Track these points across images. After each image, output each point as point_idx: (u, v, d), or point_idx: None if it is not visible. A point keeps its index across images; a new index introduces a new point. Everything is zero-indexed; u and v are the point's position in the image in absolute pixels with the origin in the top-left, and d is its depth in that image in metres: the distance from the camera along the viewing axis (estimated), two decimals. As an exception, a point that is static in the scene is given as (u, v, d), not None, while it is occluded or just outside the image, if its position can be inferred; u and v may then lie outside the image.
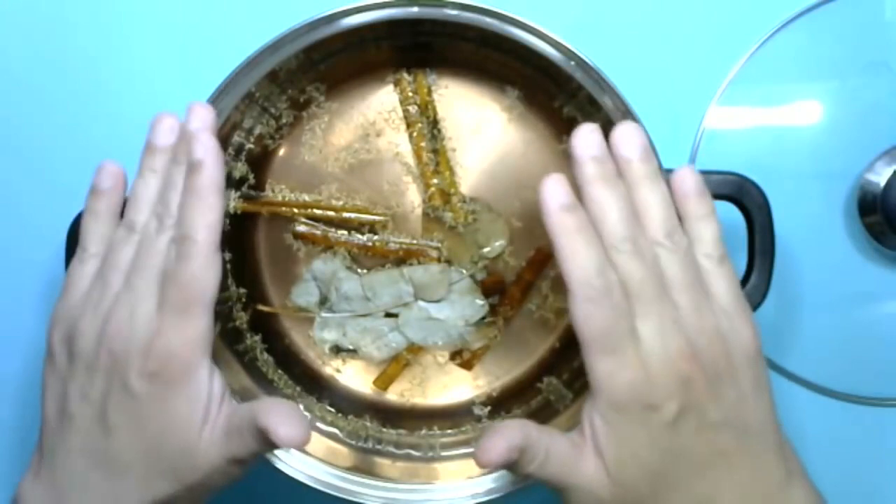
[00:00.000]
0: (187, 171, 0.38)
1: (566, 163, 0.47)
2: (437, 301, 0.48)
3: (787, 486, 0.37)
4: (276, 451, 0.44)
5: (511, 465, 0.37)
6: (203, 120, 0.39)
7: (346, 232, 0.48)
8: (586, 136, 0.37)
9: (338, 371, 0.49)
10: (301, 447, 0.37)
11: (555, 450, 0.36)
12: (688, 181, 0.38)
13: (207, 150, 0.38)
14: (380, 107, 0.48)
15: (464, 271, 0.48)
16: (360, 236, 0.48)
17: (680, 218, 0.38)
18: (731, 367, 0.36)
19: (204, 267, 0.37)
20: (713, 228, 0.38)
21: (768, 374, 0.37)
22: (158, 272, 0.37)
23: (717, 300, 0.37)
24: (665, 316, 0.35)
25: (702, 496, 0.36)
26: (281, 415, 0.36)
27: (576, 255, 0.35)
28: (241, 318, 0.48)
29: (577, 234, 0.36)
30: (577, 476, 0.36)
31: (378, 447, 0.47)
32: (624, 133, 0.38)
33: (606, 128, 0.43)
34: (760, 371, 0.37)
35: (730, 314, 0.37)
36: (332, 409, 0.48)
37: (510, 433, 0.36)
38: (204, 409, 0.37)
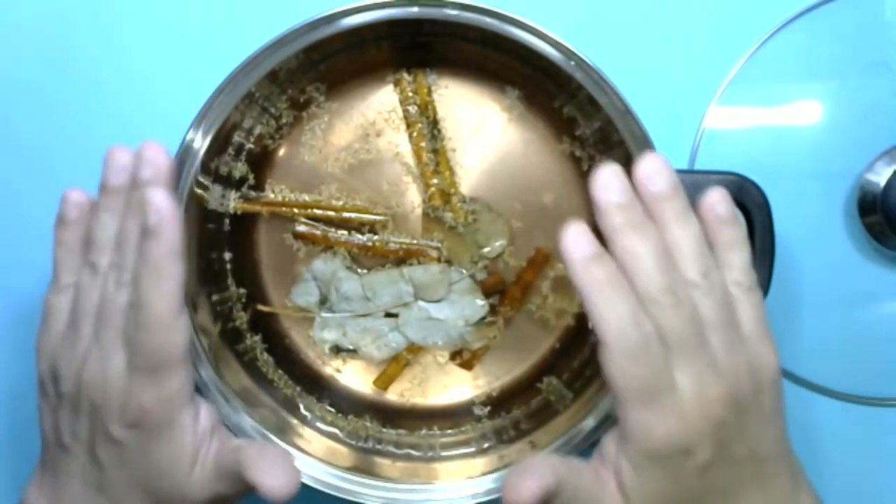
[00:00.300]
0: (141, 234, 0.35)
1: (566, 163, 0.47)
2: (437, 301, 0.48)
3: (794, 499, 0.36)
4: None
5: None
6: (156, 167, 0.36)
7: (346, 232, 0.48)
8: (609, 182, 0.35)
9: (338, 371, 0.49)
10: (289, 498, 0.36)
11: (581, 485, 0.35)
12: (720, 209, 0.37)
13: (162, 216, 0.34)
14: (380, 107, 0.48)
15: (464, 271, 0.48)
16: (360, 236, 0.48)
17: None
18: (756, 397, 0.35)
19: (167, 334, 0.34)
20: (744, 256, 0.37)
21: (784, 394, 0.37)
22: (122, 330, 0.35)
23: (743, 328, 0.36)
24: (703, 362, 0.34)
25: None
26: (268, 466, 0.35)
27: (609, 309, 0.33)
28: (241, 318, 0.48)
29: (609, 288, 0.33)
30: None
31: (378, 447, 0.47)
32: (650, 168, 0.35)
33: (607, 128, 0.44)
34: (779, 393, 0.36)
35: (755, 342, 0.36)
36: (332, 409, 0.48)
37: (542, 471, 0.34)
38: (191, 454, 0.36)
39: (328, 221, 0.48)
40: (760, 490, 0.35)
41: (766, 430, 0.36)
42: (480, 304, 0.48)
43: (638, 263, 0.34)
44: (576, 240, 0.34)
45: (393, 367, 0.49)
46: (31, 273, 0.50)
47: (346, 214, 0.48)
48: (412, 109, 0.47)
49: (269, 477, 0.35)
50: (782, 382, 0.37)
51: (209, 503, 0.36)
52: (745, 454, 0.35)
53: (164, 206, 0.35)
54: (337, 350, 0.49)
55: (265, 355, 0.48)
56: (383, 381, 0.49)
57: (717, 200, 0.37)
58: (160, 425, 0.35)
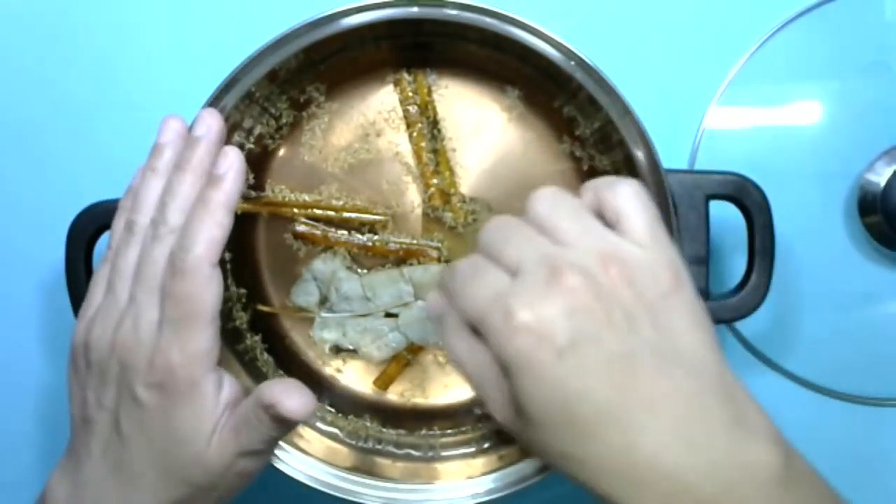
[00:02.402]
0: (207, 181, 0.38)
1: (566, 163, 0.47)
2: (437, 301, 0.48)
3: (733, 437, 0.31)
4: (276, 452, 0.44)
5: None
6: (213, 129, 0.39)
7: (346, 232, 0.48)
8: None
9: (338, 371, 0.49)
10: (308, 417, 0.37)
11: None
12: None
13: (232, 167, 0.38)
14: (380, 107, 0.48)
15: (464, 271, 0.48)
16: (360, 236, 0.48)
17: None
18: (642, 299, 0.32)
19: (201, 283, 0.36)
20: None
21: (702, 313, 0.33)
22: (158, 284, 0.37)
23: (628, 232, 0.33)
24: (535, 241, 0.33)
25: (621, 445, 0.30)
26: (285, 388, 0.37)
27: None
28: (241, 318, 0.48)
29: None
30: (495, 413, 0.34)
31: (378, 447, 0.47)
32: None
33: (607, 128, 0.44)
34: (683, 308, 0.33)
35: (643, 245, 0.33)
36: (333, 410, 0.48)
37: None
38: (212, 421, 0.36)
39: (328, 221, 0.48)
40: (672, 410, 0.31)
41: (666, 338, 0.32)
42: (480, 304, 0.48)
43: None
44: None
45: (393, 367, 0.49)
46: (33, 271, 0.50)
47: (346, 214, 0.48)
48: (412, 109, 0.47)
49: (286, 396, 0.36)
50: (692, 292, 0.33)
51: (232, 472, 0.37)
52: (626, 352, 0.31)
53: (236, 161, 0.38)
54: (337, 350, 0.49)
55: (265, 355, 0.48)
56: (383, 382, 0.49)
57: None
58: (183, 387, 0.36)
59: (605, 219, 0.34)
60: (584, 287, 0.31)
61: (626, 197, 0.34)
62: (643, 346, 0.31)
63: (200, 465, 0.36)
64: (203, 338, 0.36)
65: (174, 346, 0.36)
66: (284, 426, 0.37)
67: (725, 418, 0.31)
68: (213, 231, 0.37)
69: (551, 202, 0.34)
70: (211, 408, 0.36)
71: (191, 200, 0.38)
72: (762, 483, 0.30)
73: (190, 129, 0.40)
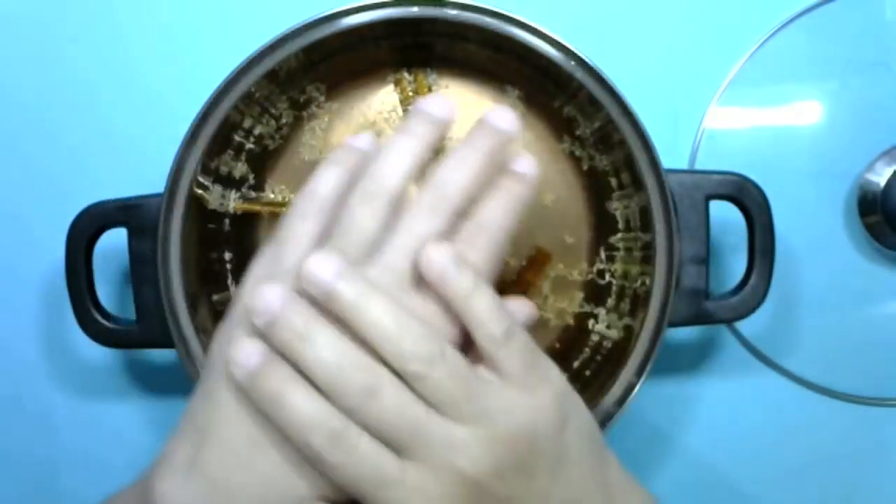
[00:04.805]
0: (505, 175, 0.35)
1: (566, 163, 0.47)
2: (437, 301, 0.48)
3: None
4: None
5: None
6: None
7: (346, 232, 0.48)
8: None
9: (338, 371, 0.49)
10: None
11: None
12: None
13: (532, 173, 0.36)
14: (380, 107, 0.48)
15: (464, 271, 0.48)
16: (360, 236, 0.48)
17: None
18: (537, 456, 0.33)
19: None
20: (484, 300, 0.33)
21: (588, 417, 0.35)
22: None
23: (504, 373, 0.33)
24: (411, 411, 0.31)
25: None
26: None
27: None
28: (241, 318, 0.48)
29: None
30: None
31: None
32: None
33: (607, 128, 0.44)
34: (574, 436, 0.34)
35: (523, 386, 0.33)
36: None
37: None
38: None
39: (328, 221, 0.48)
40: None
41: (559, 473, 0.33)
42: (480, 304, 0.48)
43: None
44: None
45: (393, 367, 0.48)
46: (35, 267, 0.50)
47: (346, 214, 0.47)
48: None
49: None
50: (568, 420, 0.34)
51: None
52: None
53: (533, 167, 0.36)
54: (337, 350, 0.49)
55: (265, 355, 0.48)
56: (383, 381, 0.49)
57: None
58: None
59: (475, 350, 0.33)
60: (491, 477, 0.31)
61: (503, 344, 0.33)
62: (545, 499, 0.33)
63: None
64: None
65: None
66: None
67: None
68: (515, 207, 0.36)
69: (427, 352, 0.31)
70: None
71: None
72: None
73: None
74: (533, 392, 0.33)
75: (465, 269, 0.33)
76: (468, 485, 0.31)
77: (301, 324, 0.31)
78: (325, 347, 0.31)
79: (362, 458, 0.31)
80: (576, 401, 0.35)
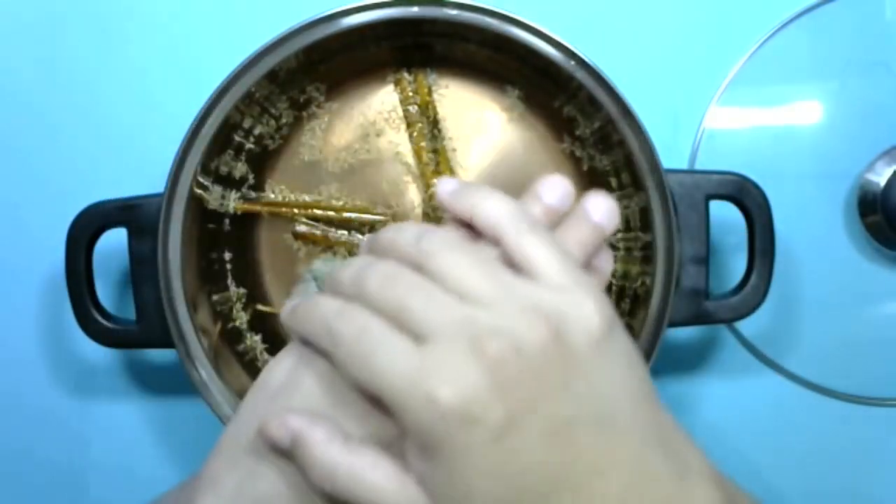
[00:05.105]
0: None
1: (566, 163, 0.47)
2: (437, 301, 0.48)
3: (680, 487, 0.30)
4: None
5: None
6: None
7: (346, 232, 0.48)
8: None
9: (338, 371, 0.49)
10: None
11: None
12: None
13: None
14: (380, 107, 0.48)
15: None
16: (360, 236, 0.48)
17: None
18: (569, 352, 0.29)
19: None
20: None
21: (635, 353, 0.31)
22: None
23: (542, 277, 0.30)
24: (441, 301, 0.29)
25: None
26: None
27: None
28: (241, 318, 0.48)
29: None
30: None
31: (378, 447, 0.47)
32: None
33: (607, 128, 0.44)
34: (616, 353, 0.30)
35: (563, 290, 0.29)
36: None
37: None
38: None
39: (328, 221, 0.48)
40: (617, 472, 0.29)
41: (602, 393, 0.29)
42: (480, 304, 0.48)
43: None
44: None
45: (393, 367, 0.48)
46: (35, 267, 0.50)
47: (346, 214, 0.47)
48: (412, 109, 0.47)
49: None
50: (622, 336, 0.30)
51: None
52: (569, 418, 0.29)
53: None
54: (337, 350, 0.49)
55: (265, 355, 0.48)
56: (383, 381, 0.49)
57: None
58: None
59: (511, 263, 0.30)
60: (511, 356, 0.28)
61: (529, 237, 0.30)
62: (580, 408, 0.29)
63: None
64: None
65: None
66: None
67: (669, 471, 0.30)
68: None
69: (449, 248, 0.30)
70: None
71: None
72: None
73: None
74: (565, 290, 0.29)
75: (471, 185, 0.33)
76: (496, 369, 0.28)
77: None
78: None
79: (380, 339, 0.29)
80: (622, 330, 0.31)
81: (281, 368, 0.33)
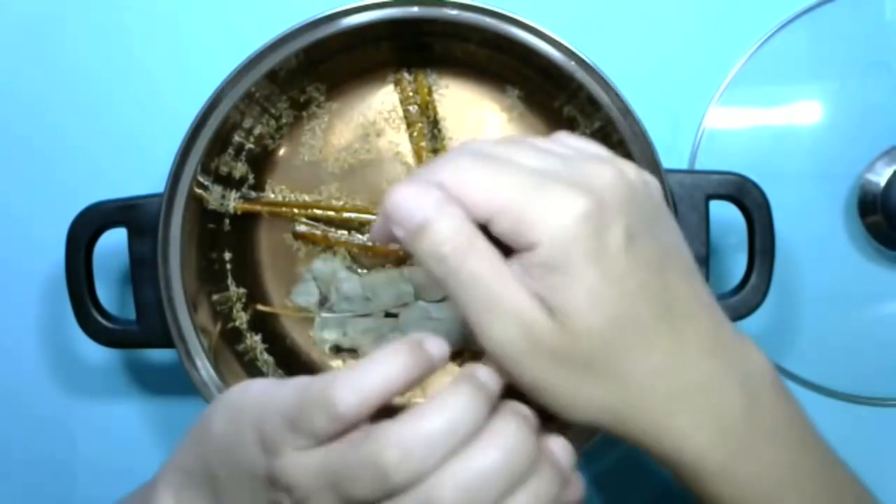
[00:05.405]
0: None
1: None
2: (437, 301, 0.48)
3: (741, 343, 0.32)
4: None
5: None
6: None
7: (346, 232, 0.48)
8: None
9: (338, 371, 0.49)
10: None
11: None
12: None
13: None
14: (380, 107, 0.48)
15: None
16: (360, 236, 0.48)
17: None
18: (651, 196, 0.31)
19: None
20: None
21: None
22: None
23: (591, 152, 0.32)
24: (541, 154, 0.30)
25: (662, 360, 0.29)
26: None
27: None
28: (241, 318, 0.48)
29: None
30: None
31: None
32: None
33: (607, 128, 0.44)
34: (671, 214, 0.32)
35: (613, 156, 0.32)
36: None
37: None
38: None
39: (328, 221, 0.48)
40: (701, 320, 0.31)
41: (679, 243, 0.32)
42: (480, 304, 0.48)
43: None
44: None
45: (393, 367, 0.48)
46: (35, 267, 0.50)
47: (346, 214, 0.48)
48: (412, 109, 0.47)
49: None
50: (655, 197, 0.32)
51: None
52: (669, 246, 0.31)
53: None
54: (337, 350, 0.49)
55: (265, 355, 0.48)
56: (383, 381, 0.49)
57: None
58: None
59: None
60: (619, 179, 0.29)
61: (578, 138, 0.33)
62: (669, 249, 0.31)
63: None
64: None
65: None
66: None
67: (730, 325, 0.32)
68: None
69: (530, 141, 0.32)
70: None
71: None
72: (771, 387, 0.32)
73: None
74: (617, 158, 0.32)
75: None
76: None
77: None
78: None
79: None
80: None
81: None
